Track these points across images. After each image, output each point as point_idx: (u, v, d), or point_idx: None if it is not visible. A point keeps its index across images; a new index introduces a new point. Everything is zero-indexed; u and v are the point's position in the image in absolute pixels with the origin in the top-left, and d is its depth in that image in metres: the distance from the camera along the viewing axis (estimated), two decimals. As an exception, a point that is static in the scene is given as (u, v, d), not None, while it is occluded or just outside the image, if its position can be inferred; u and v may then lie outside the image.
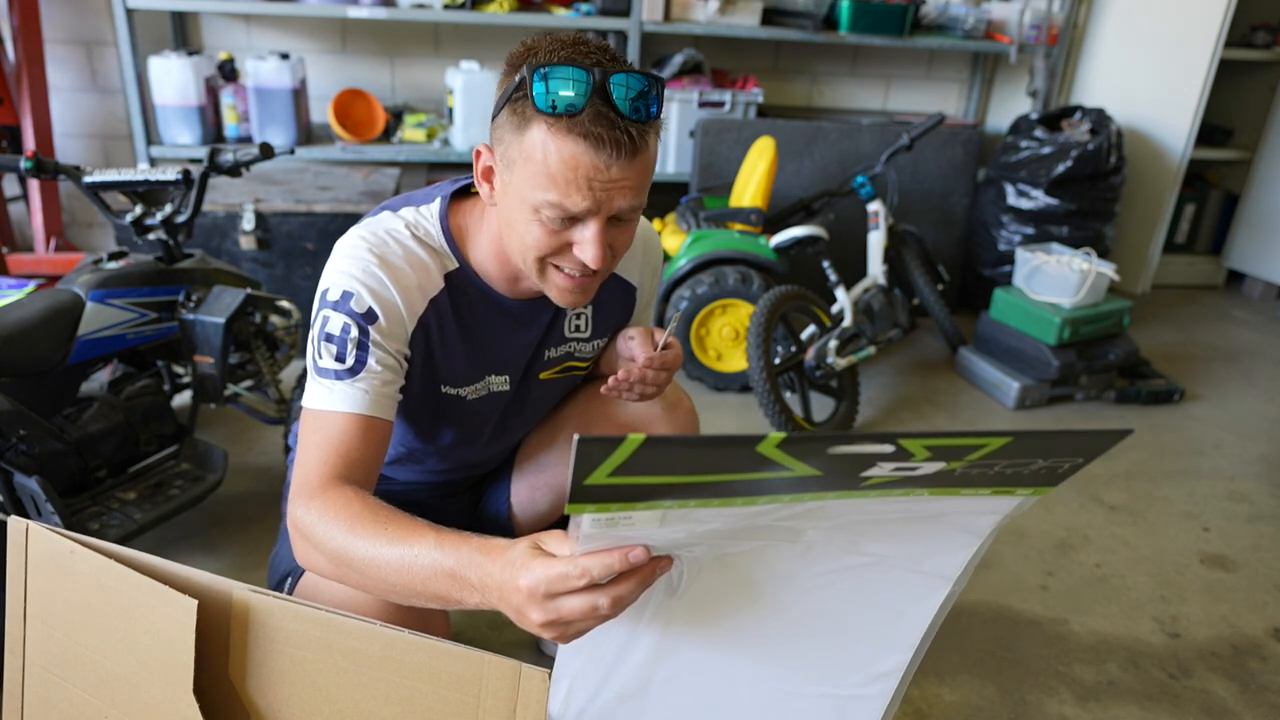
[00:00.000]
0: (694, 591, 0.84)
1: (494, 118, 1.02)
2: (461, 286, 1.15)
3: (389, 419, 1.08)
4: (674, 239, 3.03)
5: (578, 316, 1.28)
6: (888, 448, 0.65)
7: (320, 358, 1.06)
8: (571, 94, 0.92)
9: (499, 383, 1.25)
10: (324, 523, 0.96)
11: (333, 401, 1.05)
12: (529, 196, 0.98)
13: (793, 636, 0.91)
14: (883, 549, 0.84)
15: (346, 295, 1.06)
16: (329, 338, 1.05)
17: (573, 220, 1.00)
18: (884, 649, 0.93)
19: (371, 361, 1.06)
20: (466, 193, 1.18)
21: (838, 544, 0.82)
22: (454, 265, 1.14)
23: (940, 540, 0.84)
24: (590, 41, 0.98)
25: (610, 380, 1.19)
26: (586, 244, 1.00)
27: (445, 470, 1.38)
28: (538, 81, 0.93)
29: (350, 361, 1.05)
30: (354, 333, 1.05)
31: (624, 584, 0.75)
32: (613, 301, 1.30)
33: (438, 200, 1.15)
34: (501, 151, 1.01)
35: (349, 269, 1.07)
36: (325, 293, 1.07)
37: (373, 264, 1.07)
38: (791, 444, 0.63)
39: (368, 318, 1.05)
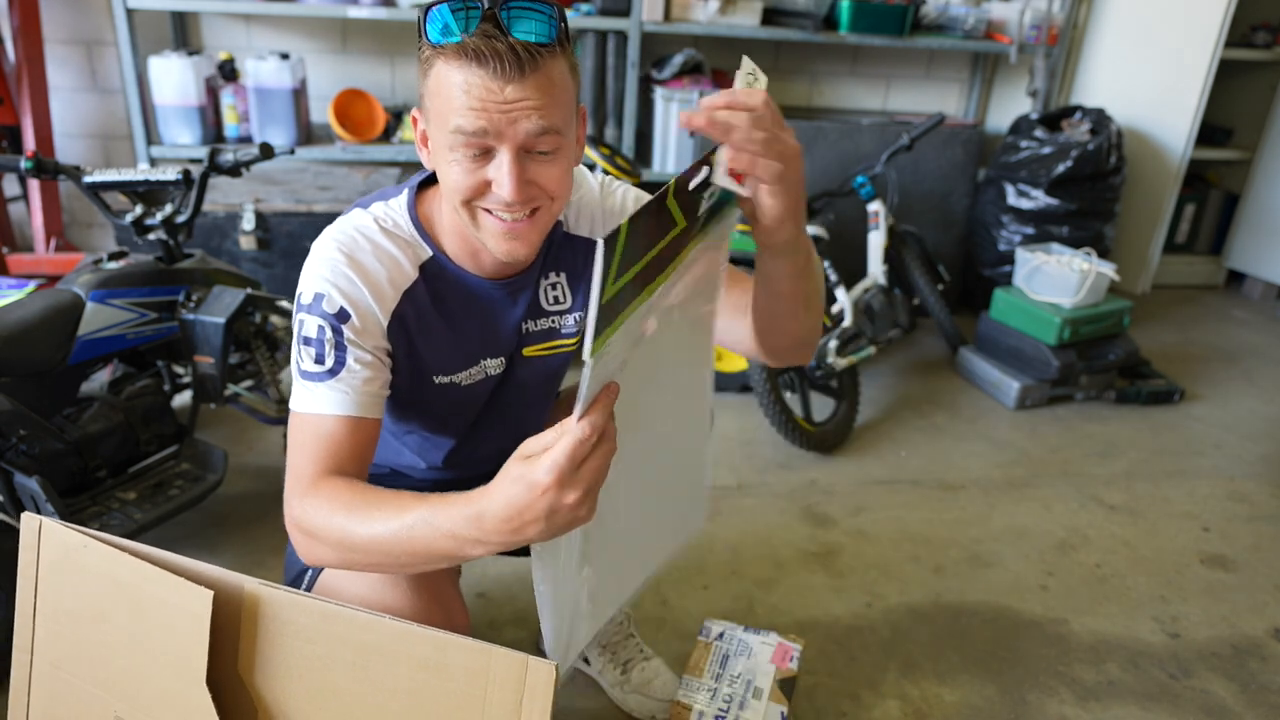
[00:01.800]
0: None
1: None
2: (438, 274, 1.15)
3: (375, 416, 1.09)
4: (674, 239, 3.02)
5: (553, 287, 1.25)
6: (707, 168, 0.83)
7: (302, 361, 1.07)
8: (458, 22, 0.94)
9: (494, 365, 1.25)
10: (320, 514, 0.97)
11: (317, 404, 1.06)
12: (442, 138, 0.99)
13: (663, 418, 1.04)
14: (680, 306, 0.95)
15: (318, 297, 1.06)
16: (306, 340, 1.06)
17: (486, 154, 0.98)
18: (699, 394, 1.12)
19: (350, 360, 1.06)
20: (434, 181, 1.17)
21: (662, 315, 0.91)
22: (427, 254, 1.14)
23: (706, 278, 0.99)
24: None
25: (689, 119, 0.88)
26: (501, 176, 0.98)
27: (460, 464, 1.38)
28: (430, 19, 0.95)
29: (330, 363, 1.06)
30: (329, 334, 1.06)
31: (607, 422, 0.80)
32: (581, 264, 1.27)
33: (405, 191, 1.16)
34: (422, 107, 1.03)
35: (320, 270, 1.07)
36: (300, 296, 1.08)
37: (341, 263, 1.07)
38: (676, 193, 0.79)
39: (340, 317, 1.06)
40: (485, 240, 1.06)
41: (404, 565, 0.93)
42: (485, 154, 0.98)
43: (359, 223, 1.12)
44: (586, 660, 1.64)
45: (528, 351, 1.28)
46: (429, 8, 0.94)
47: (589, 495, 0.80)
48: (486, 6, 0.94)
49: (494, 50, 0.92)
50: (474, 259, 1.16)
